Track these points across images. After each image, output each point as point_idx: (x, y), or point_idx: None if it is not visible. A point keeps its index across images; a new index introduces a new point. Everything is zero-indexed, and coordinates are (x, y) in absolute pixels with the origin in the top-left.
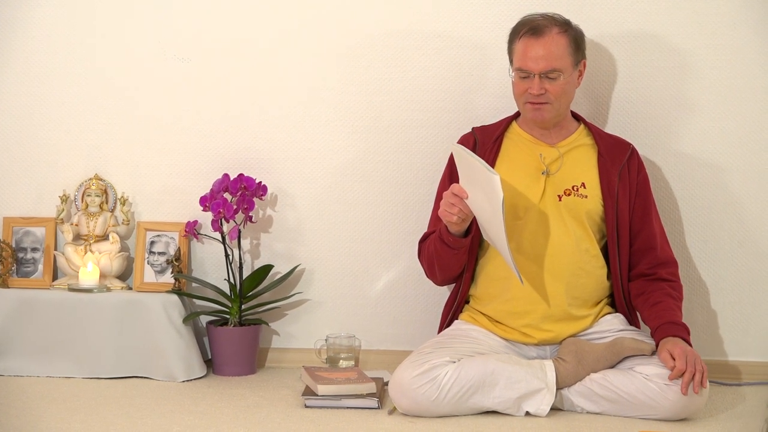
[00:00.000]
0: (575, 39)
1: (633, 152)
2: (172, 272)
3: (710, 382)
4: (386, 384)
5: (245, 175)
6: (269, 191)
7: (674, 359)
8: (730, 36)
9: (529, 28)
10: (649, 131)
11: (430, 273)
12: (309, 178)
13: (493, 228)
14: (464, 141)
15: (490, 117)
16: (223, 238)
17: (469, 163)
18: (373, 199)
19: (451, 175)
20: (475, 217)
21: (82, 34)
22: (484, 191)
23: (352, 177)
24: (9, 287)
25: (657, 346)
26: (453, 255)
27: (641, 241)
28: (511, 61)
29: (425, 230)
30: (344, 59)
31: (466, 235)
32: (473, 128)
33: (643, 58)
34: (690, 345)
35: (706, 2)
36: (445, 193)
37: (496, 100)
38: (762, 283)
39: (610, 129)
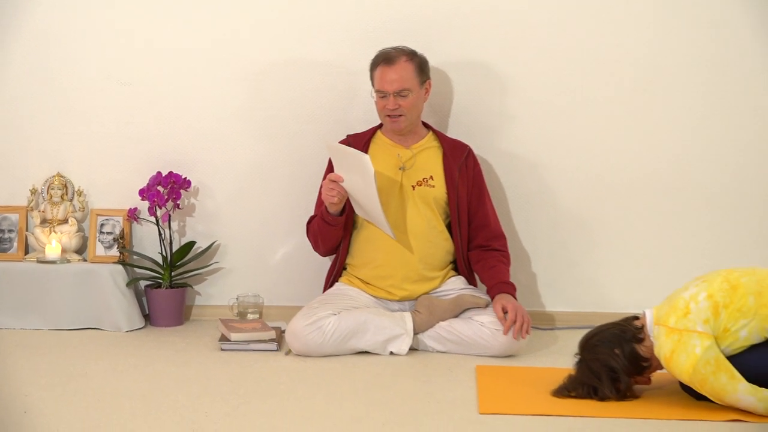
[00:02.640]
0: (420, 64)
1: (470, 152)
2: (117, 248)
3: (531, 328)
4: (283, 332)
5: (174, 172)
6: (192, 185)
7: (507, 312)
8: (542, 62)
9: (383, 59)
10: (481, 136)
11: (315, 246)
12: (223, 174)
13: (368, 199)
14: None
15: (361, 127)
16: (157, 221)
17: (344, 153)
18: (273, 190)
19: (330, 172)
20: (349, 199)
21: (45, 62)
22: (357, 172)
23: (256, 174)
24: None
25: (492, 299)
26: (332, 231)
27: (477, 220)
28: (372, 85)
29: (311, 214)
30: (252, 83)
31: (342, 215)
32: (347, 135)
33: (475, 80)
34: (516, 299)
35: (524, 35)
36: (324, 182)
37: (365, 114)
38: (564, 251)
39: (451, 134)
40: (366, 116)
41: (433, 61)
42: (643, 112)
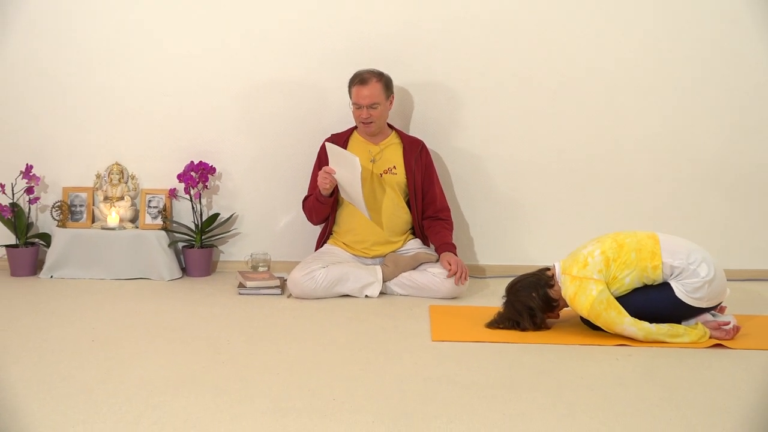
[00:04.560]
0: (386, 83)
1: (423, 146)
2: (161, 218)
3: (469, 277)
4: (285, 280)
5: (203, 161)
6: (217, 171)
7: (451, 265)
8: (479, 81)
9: (359, 80)
10: (435, 136)
11: (309, 218)
12: (239, 162)
13: (353, 188)
14: (329, 141)
15: (332, 129)
16: (191, 198)
17: (338, 152)
18: (276, 175)
19: (319, 161)
20: (338, 185)
21: (107, 82)
22: (347, 167)
23: (263, 162)
24: (66, 227)
25: (439, 256)
26: (323, 207)
27: (428, 198)
28: (350, 98)
29: (305, 193)
30: (256, 97)
31: (331, 196)
32: (331, 134)
33: (430, 95)
34: (457, 255)
35: (468, 60)
36: (320, 172)
37: (335, 119)
38: (494, 219)
39: (413, 133)
40: (336, 120)
41: (397, 81)
42: (553, 121)
